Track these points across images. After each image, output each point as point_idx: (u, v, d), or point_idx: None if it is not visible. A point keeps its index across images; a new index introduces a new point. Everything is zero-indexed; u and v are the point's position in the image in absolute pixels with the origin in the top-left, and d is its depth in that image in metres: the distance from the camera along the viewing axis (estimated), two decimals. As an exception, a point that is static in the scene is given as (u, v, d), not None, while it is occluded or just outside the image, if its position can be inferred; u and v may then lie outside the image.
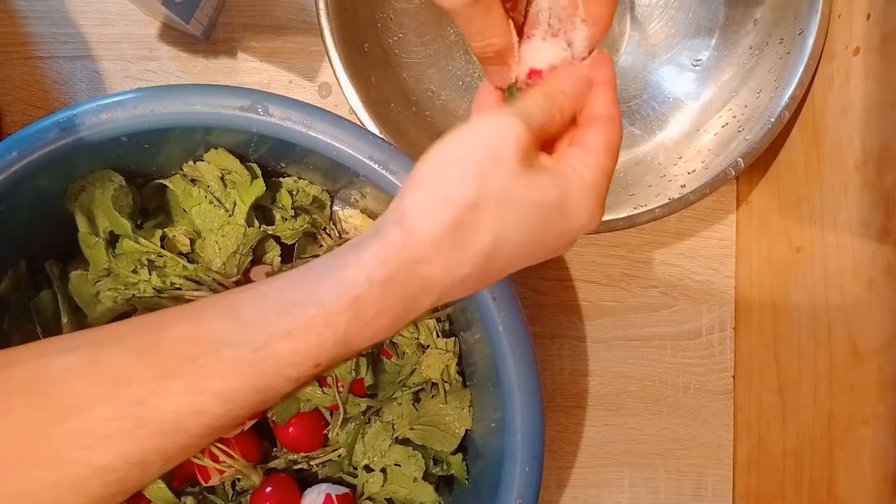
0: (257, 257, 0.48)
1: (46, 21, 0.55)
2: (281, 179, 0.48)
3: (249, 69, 0.56)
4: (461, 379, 0.49)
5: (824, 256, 0.47)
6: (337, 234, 0.51)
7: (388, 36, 0.54)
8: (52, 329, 0.45)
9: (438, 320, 0.48)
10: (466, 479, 0.47)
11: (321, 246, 0.50)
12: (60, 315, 0.45)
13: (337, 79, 0.48)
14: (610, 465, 0.58)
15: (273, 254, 0.48)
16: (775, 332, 0.53)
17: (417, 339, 0.48)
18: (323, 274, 0.28)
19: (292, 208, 0.48)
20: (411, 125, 0.52)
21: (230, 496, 0.48)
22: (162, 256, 0.45)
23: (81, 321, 0.46)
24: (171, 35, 0.55)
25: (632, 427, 0.58)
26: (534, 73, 0.35)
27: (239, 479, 0.48)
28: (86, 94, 0.55)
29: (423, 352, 0.48)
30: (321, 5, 0.48)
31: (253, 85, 0.56)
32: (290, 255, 0.49)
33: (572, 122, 0.33)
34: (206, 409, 0.27)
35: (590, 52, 0.33)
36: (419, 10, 0.55)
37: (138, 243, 0.44)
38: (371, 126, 0.48)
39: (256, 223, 0.46)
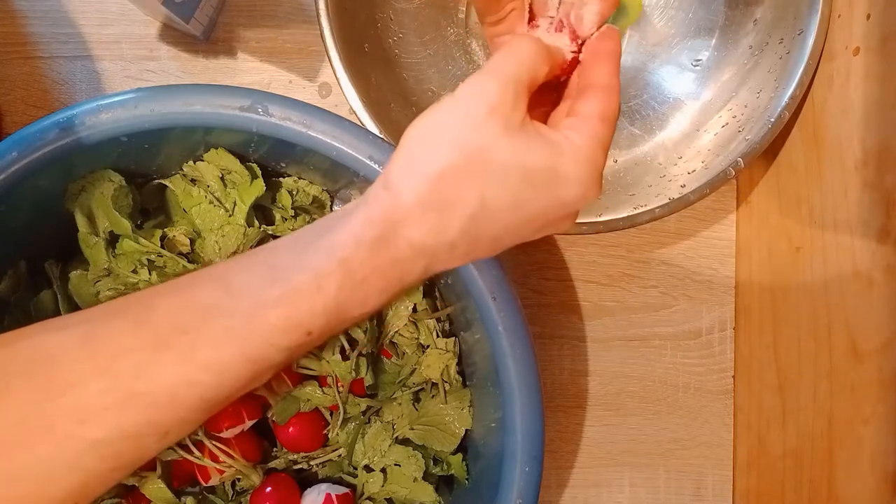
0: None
1: (46, 21, 0.55)
2: (281, 179, 0.48)
3: (249, 69, 0.56)
4: (461, 379, 0.49)
5: (824, 256, 0.47)
6: None
7: (388, 36, 0.54)
8: (53, 329, 0.45)
9: (438, 320, 0.48)
10: (466, 479, 0.47)
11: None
12: (60, 315, 0.45)
13: (337, 79, 0.48)
14: (610, 465, 0.58)
15: None
16: (775, 332, 0.53)
17: (417, 339, 0.48)
18: (314, 240, 0.28)
19: (292, 208, 0.48)
20: (411, 125, 0.52)
21: (230, 496, 0.48)
22: (162, 256, 0.45)
23: (81, 321, 0.46)
24: (171, 35, 0.55)
25: (632, 427, 0.58)
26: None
27: (239, 479, 0.48)
28: (86, 94, 0.55)
29: (423, 352, 0.48)
30: (321, 5, 0.48)
31: (253, 85, 0.56)
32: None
33: (566, 90, 0.33)
34: (198, 381, 0.27)
35: (598, 28, 0.34)
36: (419, 10, 0.55)
37: (138, 243, 0.44)
38: (371, 126, 0.48)
39: (256, 223, 0.46)
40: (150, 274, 0.44)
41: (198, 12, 0.51)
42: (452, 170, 0.28)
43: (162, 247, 0.45)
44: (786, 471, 0.51)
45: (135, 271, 0.44)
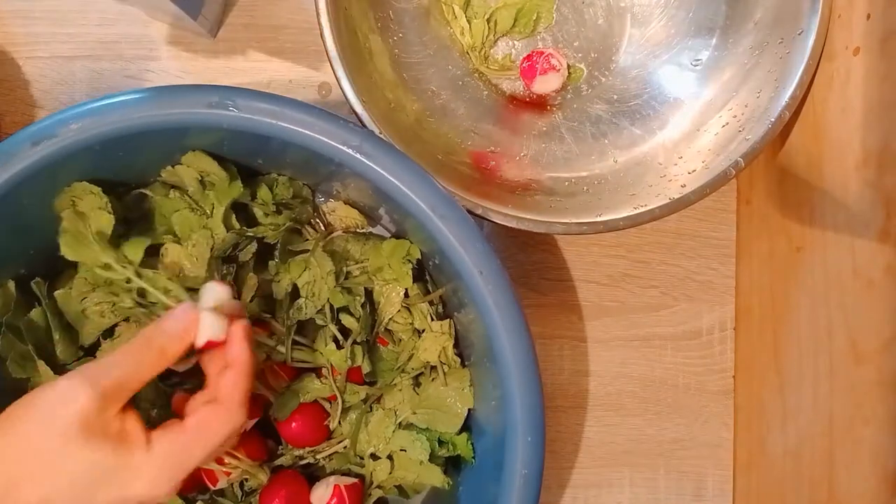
0: (236, 257, 0.48)
1: (46, 21, 0.55)
2: (260, 177, 0.47)
3: (249, 69, 0.56)
4: (459, 360, 0.49)
5: (824, 256, 0.47)
6: (322, 228, 0.51)
7: (388, 36, 0.54)
8: (46, 346, 0.44)
9: (431, 303, 0.48)
10: (473, 457, 0.47)
11: (306, 240, 0.50)
12: (52, 332, 0.45)
13: (337, 79, 0.48)
14: (610, 465, 0.58)
15: (248, 250, 0.48)
16: (775, 332, 0.53)
17: (412, 323, 0.49)
18: None
19: (273, 203, 0.47)
20: (411, 125, 0.52)
21: (239, 497, 0.49)
22: (141, 276, 0.44)
23: (73, 337, 0.46)
24: (171, 35, 0.55)
25: (632, 427, 0.58)
26: (210, 345, 0.36)
27: (246, 479, 0.48)
28: (86, 95, 0.55)
29: (419, 336, 0.48)
30: (321, 5, 0.48)
31: (253, 85, 0.56)
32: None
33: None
34: None
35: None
36: (419, 10, 0.55)
37: (116, 271, 0.44)
38: (371, 126, 0.48)
39: (236, 224, 0.46)
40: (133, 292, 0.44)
41: (205, 8, 0.51)
42: None
43: (147, 256, 0.45)
44: (786, 471, 0.51)
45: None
